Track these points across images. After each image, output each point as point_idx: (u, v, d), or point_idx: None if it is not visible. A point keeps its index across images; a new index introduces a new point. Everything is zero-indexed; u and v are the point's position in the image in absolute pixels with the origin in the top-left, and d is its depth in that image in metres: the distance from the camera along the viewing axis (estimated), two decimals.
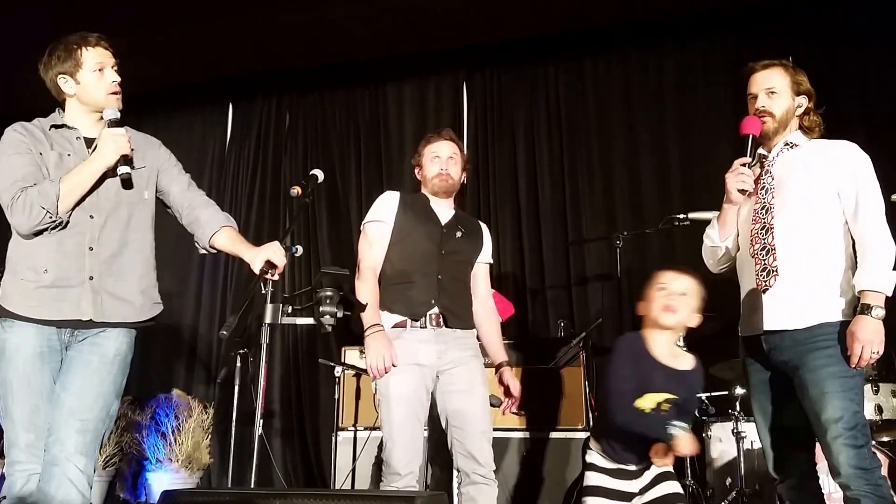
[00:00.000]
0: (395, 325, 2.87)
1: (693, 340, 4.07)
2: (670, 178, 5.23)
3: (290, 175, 6.00)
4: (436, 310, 2.84)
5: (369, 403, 4.28)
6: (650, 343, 2.49)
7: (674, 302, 2.45)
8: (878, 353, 2.29)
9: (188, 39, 5.62)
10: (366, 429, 4.37)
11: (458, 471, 2.78)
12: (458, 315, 2.88)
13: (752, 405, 2.56)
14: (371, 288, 2.93)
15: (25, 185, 2.38)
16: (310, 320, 2.96)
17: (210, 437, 5.51)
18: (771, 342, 2.43)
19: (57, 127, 2.54)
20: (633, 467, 2.50)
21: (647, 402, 2.41)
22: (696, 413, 2.69)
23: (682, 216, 4.05)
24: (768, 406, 2.48)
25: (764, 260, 2.47)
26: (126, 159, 2.48)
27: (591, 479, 2.51)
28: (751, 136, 2.54)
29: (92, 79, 2.52)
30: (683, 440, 2.34)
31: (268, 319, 2.78)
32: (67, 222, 2.45)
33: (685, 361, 2.53)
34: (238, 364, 4.20)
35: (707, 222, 2.81)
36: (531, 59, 5.70)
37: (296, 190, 3.04)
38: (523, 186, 5.51)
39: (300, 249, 3.15)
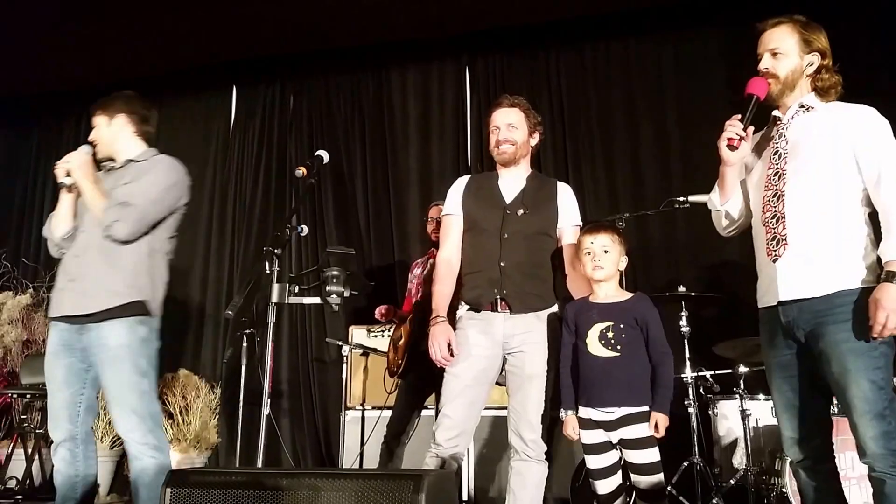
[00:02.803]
0: (469, 309, 2.92)
1: (696, 320, 4.11)
2: (670, 161, 5.27)
3: (295, 157, 6.03)
4: (499, 298, 2.84)
5: (377, 383, 4.30)
6: (594, 294, 2.81)
7: (598, 261, 2.75)
8: None
9: (192, 24, 5.60)
10: (374, 408, 4.38)
11: (511, 446, 2.84)
12: (524, 301, 2.86)
13: (769, 383, 2.45)
14: (441, 279, 2.96)
15: None
16: (317, 299, 2.97)
17: (217, 417, 5.55)
18: (789, 314, 2.33)
19: None
20: (601, 417, 2.67)
21: (591, 337, 2.71)
22: (660, 344, 2.70)
23: (682, 199, 4.06)
24: (785, 385, 2.38)
25: (774, 228, 2.37)
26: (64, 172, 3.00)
27: (581, 436, 2.75)
28: (755, 98, 2.42)
29: None
30: (566, 423, 2.74)
31: (274, 299, 2.80)
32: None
33: (625, 296, 2.79)
34: (245, 344, 4.22)
35: (706, 205, 2.72)
36: (533, 44, 5.72)
37: (301, 171, 3.04)
38: None
39: (306, 229, 3.17)
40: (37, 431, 5.25)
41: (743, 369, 3.88)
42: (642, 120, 5.41)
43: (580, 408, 2.72)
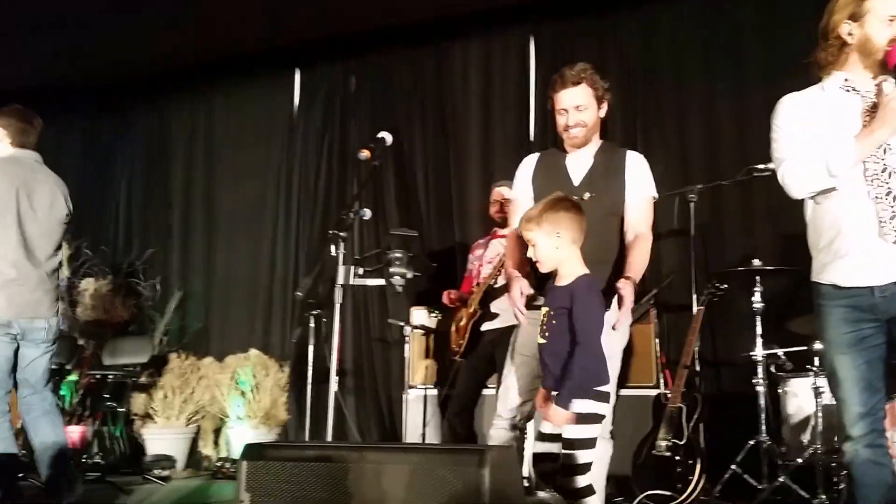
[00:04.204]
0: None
1: (771, 295, 3.98)
2: (750, 125, 4.85)
3: (357, 138, 6.01)
4: None
5: (439, 362, 4.35)
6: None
7: (531, 254, 2.63)
8: None
9: (254, 7, 5.69)
10: (436, 387, 4.44)
11: None
12: None
13: (836, 359, 2.34)
14: (510, 254, 2.98)
15: None
16: (380, 281, 3.03)
17: (286, 394, 5.70)
18: (888, 290, 2.26)
19: None
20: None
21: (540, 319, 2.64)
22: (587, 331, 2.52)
23: (761, 166, 3.85)
24: (860, 358, 2.31)
25: (893, 207, 2.25)
26: None
27: None
28: None
29: None
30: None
31: (340, 280, 2.86)
32: None
33: (569, 279, 2.61)
34: (312, 324, 4.33)
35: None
36: (602, 8, 5.47)
37: (364, 153, 3.08)
38: None
39: (369, 213, 3.20)
40: (118, 410, 5.52)
41: (818, 346, 3.76)
42: (719, 82, 5.07)
43: None
